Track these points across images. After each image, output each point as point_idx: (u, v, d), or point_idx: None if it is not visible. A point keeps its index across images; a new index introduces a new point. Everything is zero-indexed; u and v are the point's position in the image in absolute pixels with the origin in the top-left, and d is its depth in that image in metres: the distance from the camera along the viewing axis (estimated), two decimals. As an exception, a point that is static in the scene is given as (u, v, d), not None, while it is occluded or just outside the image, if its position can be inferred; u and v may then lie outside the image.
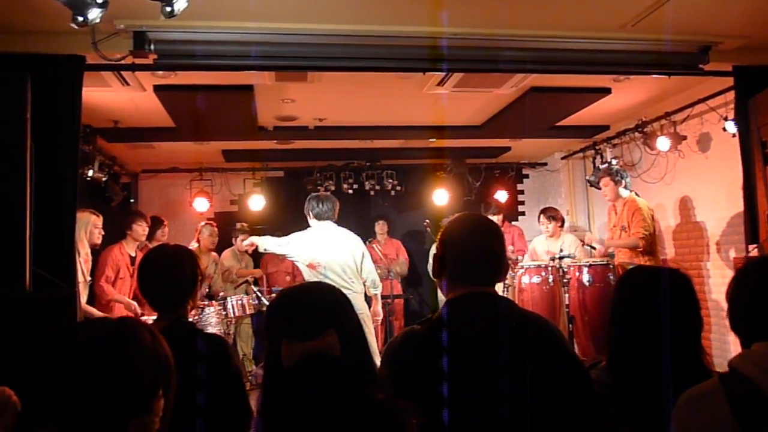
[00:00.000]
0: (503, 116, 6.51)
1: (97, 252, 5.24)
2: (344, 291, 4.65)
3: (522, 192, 9.46)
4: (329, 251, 4.73)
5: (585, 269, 5.52)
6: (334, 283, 4.60)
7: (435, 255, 1.84)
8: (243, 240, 7.19)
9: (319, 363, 1.33)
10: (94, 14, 2.70)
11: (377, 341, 5.66)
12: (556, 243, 6.33)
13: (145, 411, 1.05)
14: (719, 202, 5.95)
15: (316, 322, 1.38)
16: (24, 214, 3.51)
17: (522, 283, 5.81)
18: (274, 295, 6.57)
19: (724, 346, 5.83)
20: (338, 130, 6.94)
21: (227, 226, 7.49)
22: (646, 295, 1.88)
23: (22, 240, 3.48)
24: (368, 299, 5.16)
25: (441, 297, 6.79)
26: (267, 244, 5.07)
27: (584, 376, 1.66)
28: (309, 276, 4.76)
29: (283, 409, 1.33)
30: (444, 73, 4.99)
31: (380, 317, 5.12)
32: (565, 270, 5.51)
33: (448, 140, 7.60)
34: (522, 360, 1.56)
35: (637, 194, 6.02)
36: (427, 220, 7.81)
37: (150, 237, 5.75)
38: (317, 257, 4.72)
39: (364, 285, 4.95)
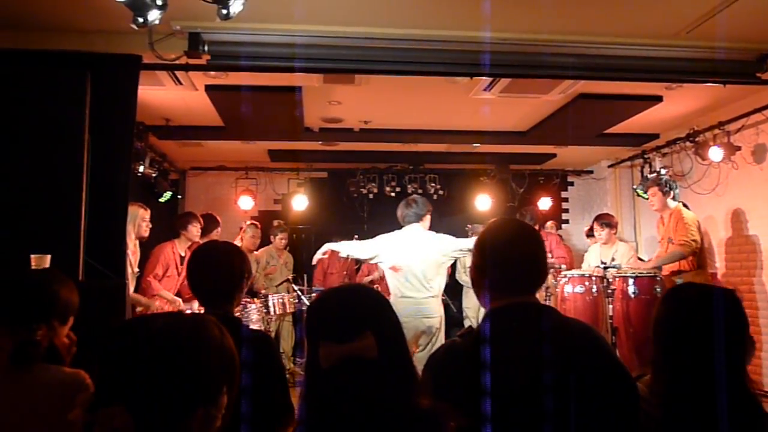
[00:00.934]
0: (550, 123, 6.44)
1: (148, 246, 5.36)
2: (425, 294, 4.63)
3: (566, 200, 9.34)
4: (410, 255, 4.70)
5: (631, 280, 5.40)
6: (413, 287, 4.59)
7: (473, 263, 1.79)
8: (281, 239, 7.31)
9: (356, 366, 1.33)
10: (154, 16, 2.78)
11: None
12: (609, 251, 6.21)
13: (211, 403, 1.09)
14: (774, 216, 5.77)
15: (352, 325, 1.37)
16: (80, 206, 3.64)
17: (565, 291, 5.72)
18: (314, 294, 6.68)
19: (775, 364, 5.65)
20: (383, 133, 6.98)
21: (270, 225, 7.60)
22: (691, 314, 1.81)
23: (77, 231, 3.61)
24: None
25: (469, 304, 6.71)
26: (349, 250, 4.99)
27: (629, 385, 1.62)
28: (391, 278, 4.76)
29: (320, 411, 1.34)
30: (491, 78, 4.97)
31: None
32: (610, 281, 5.40)
33: (492, 145, 7.56)
34: (567, 370, 1.53)
35: (685, 205, 5.88)
36: (469, 225, 7.77)
37: (204, 234, 5.84)
38: (399, 260, 4.72)
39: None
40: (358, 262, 7.40)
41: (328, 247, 5.09)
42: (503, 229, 1.79)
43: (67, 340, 2.00)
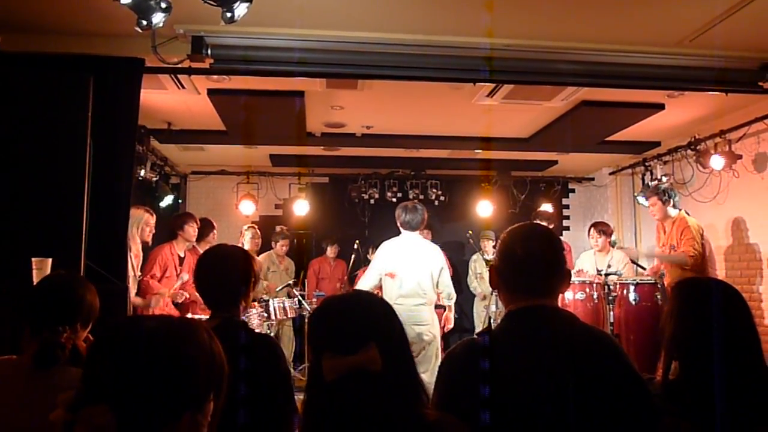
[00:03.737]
0: (552, 129, 6.45)
1: (147, 249, 5.35)
2: (418, 301, 4.70)
3: (567, 206, 9.34)
4: (408, 262, 4.75)
5: (632, 287, 5.40)
6: (408, 293, 4.56)
7: (492, 266, 1.79)
8: (282, 246, 7.29)
9: (359, 379, 1.31)
10: (158, 19, 2.78)
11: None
12: (604, 259, 6.21)
13: (197, 409, 1.06)
14: (775, 225, 5.77)
15: (355, 336, 1.35)
16: (81, 210, 3.63)
17: (565, 298, 5.71)
18: (315, 299, 6.65)
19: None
20: (385, 138, 6.97)
21: (271, 229, 7.58)
22: (708, 306, 1.83)
23: (78, 235, 3.60)
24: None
25: (477, 310, 6.75)
26: (365, 286, 4.98)
27: (645, 392, 1.61)
28: (387, 284, 4.78)
29: (323, 425, 1.32)
30: (494, 85, 4.97)
31: (452, 325, 5.12)
32: (611, 287, 5.40)
33: (494, 152, 7.56)
34: (579, 375, 1.52)
35: (687, 213, 5.88)
36: (470, 231, 7.76)
37: (199, 239, 5.82)
38: (396, 267, 4.76)
39: (439, 296, 4.95)
40: (351, 268, 7.48)
41: None
42: (519, 232, 1.78)
43: (85, 344, 2.00)
